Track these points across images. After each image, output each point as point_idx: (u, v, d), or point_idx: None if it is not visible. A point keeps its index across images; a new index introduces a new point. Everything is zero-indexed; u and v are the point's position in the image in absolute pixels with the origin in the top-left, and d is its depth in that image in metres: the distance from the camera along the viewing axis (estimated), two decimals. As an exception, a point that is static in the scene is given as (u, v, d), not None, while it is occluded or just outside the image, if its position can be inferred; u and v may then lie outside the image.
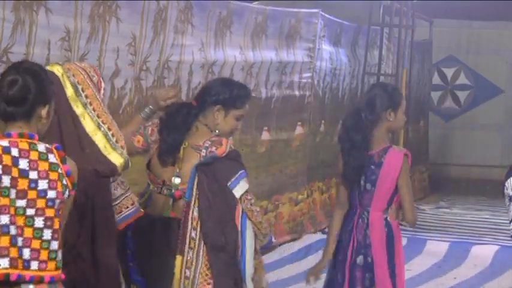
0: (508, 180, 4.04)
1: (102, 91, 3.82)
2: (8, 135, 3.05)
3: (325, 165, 10.38)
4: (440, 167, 14.63)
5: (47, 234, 3.01)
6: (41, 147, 3.07)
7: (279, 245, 8.85)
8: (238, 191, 4.08)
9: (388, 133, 4.84)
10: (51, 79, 3.27)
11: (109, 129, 3.71)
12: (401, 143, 11.01)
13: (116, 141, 3.70)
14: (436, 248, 9.22)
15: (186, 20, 6.75)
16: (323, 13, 9.43)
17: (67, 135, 3.59)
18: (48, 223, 3.02)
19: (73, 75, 3.71)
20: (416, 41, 12.15)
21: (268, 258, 8.32)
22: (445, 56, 14.94)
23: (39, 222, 3.01)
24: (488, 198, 13.03)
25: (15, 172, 3.00)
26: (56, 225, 3.04)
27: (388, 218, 4.71)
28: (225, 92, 4.24)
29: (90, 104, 3.70)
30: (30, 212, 3.00)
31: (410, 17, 11.55)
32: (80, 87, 3.69)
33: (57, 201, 3.05)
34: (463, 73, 15.06)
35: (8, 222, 2.96)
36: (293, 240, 9.14)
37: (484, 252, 8.97)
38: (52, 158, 3.07)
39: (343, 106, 10.75)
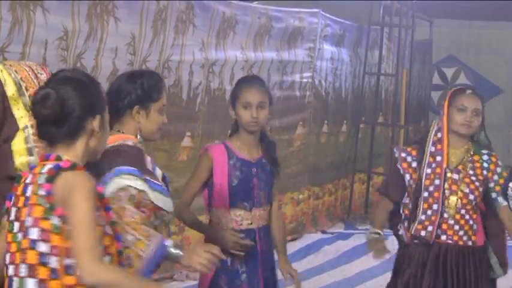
0: None
1: None
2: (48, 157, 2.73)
3: (334, 166, 10.38)
4: (441, 167, 14.59)
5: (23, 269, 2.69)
6: (46, 167, 2.70)
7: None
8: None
9: None
10: (97, 84, 2.83)
11: None
12: (402, 143, 10.99)
13: None
14: (436, 248, 9.19)
15: (187, 20, 6.74)
16: (323, 13, 9.42)
17: None
18: (25, 257, 2.68)
19: (15, 72, 3.16)
20: (416, 41, 12.13)
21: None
22: (445, 56, 14.92)
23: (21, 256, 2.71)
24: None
25: (21, 202, 2.72)
26: (32, 261, 2.67)
27: None
28: (135, 89, 3.46)
29: None
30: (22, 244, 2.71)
31: (410, 17, 11.54)
32: (23, 85, 3.13)
33: (34, 229, 2.67)
34: (463, 73, 15.04)
35: (8, 263, 2.71)
36: (293, 240, 9.12)
37: (484, 252, 8.94)
38: (41, 179, 2.69)
39: (347, 106, 10.74)
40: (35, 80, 3.15)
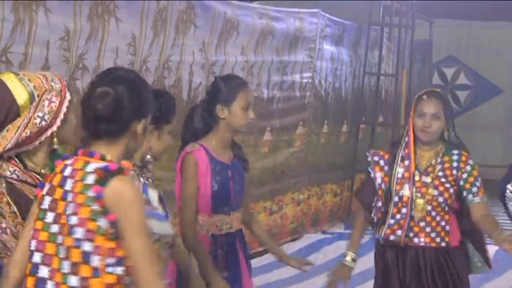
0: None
1: (65, 103, 3.19)
2: (76, 154, 2.77)
3: (336, 167, 10.39)
4: (441, 167, 14.61)
5: (66, 266, 2.70)
6: (91, 166, 2.71)
7: (280, 245, 8.85)
8: None
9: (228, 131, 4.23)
10: (149, 87, 2.89)
11: None
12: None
13: None
14: (436, 248, 9.20)
15: (188, 20, 6.74)
16: (323, 13, 9.43)
17: None
18: (69, 254, 2.69)
19: (29, 80, 3.16)
20: (416, 41, 12.14)
21: (268, 258, 8.32)
22: (445, 56, 14.94)
23: (63, 251, 2.70)
24: (488, 198, 13.01)
25: (58, 194, 2.73)
26: (75, 258, 2.68)
27: None
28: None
29: None
30: (59, 239, 2.70)
31: (410, 17, 11.55)
32: (36, 93, 3.15)
33: (78, 229, 2.68)
34: (463, 73, 15.06)
35: (34, 249, 2.74)
36: (293, 240, 9.13)
37: (484, 252, 8.95)
38: (90, 179, 2.70)
39: (347, 106, 10.75)
40: (47, 88, 3.16)
